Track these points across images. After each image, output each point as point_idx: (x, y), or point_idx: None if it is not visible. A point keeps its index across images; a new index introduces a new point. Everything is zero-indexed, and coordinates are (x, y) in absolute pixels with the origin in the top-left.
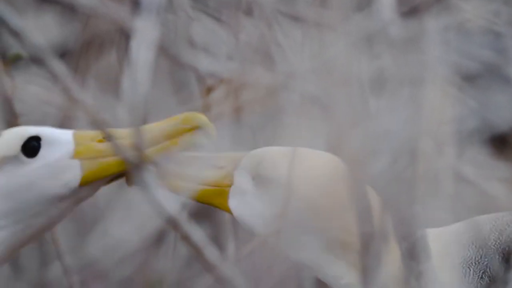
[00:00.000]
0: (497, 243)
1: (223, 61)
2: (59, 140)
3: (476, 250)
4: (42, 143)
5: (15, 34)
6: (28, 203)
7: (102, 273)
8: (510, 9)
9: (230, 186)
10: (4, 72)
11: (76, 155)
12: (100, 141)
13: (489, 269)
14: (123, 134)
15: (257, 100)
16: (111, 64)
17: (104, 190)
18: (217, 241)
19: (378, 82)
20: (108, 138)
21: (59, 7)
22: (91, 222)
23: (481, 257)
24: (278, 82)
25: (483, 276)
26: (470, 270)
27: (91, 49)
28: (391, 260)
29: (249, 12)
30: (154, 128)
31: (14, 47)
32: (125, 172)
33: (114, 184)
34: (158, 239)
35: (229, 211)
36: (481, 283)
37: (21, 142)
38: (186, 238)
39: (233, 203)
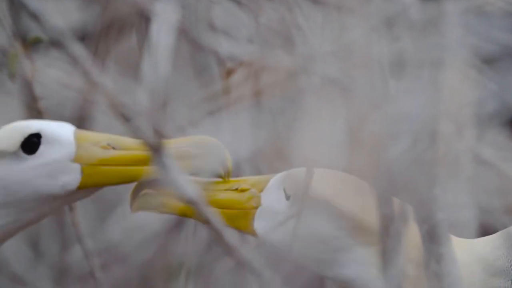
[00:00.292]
0: None
1: (243, 44)
2: (60, 139)
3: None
4: (43, 140)
5: (35, 17)
6: (22, 199)
7: (122, 257)
8: None
9: (255, 208)
10: (24, 55)
11: (77, 159)
12: (104, 147)
13: None
14: (131, 145)
15: (277, 83)
16: (131, 47)
17: None
18: None
19: (398, 65)
20: (127, 120)
21: None
22: (111, 205)
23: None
24: (298, 65)
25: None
26: (499, 278)
27: (111, 32)
28: (411, 243)
29: None
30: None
31: (34, 31)
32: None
33: None
34: (178, 222)
35: (252, 232)
36: None
37: (21, 139)
38: (206, 222)
39: (261, 224)
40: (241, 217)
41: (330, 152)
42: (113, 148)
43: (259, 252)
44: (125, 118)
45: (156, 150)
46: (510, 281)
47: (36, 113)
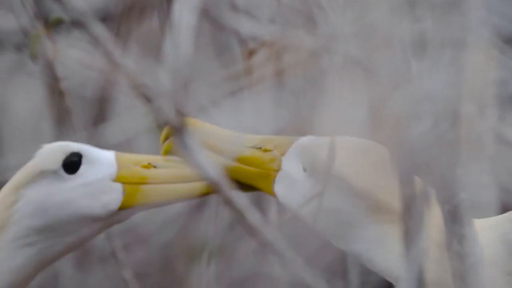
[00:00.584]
0: None
1: (265, 24)
2: (101, 160)
3: None
4: (83, 160)
5: None
6: (62, 221)
7: (144, 238)
8: None
9: (276, 171)
10: (45, 36)
11: (119, 178)
12: (145, 166)
13: None
14: (173, 164)
15: (299, 63)
16: (152, 28)
17: (145, 152)
18: (260, 205)
19: (420, 45)
20: (149, 101)
21: None
22: None
23: None
24: (320, 45)
25: None
26: None
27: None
28: (433, 223)
29: None
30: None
31: (56, 11)
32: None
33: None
34: (201, 203)
35: (272, 194)
36: None
37: (63, 157)
38: (228, 202)
39: (281, 189)
40: (262, 177)
41: (351, 132)
42: (154, 166)
43: (281, 232)
44: (147, 98)
45: (177, 130)
46: None
47: (58, 94)
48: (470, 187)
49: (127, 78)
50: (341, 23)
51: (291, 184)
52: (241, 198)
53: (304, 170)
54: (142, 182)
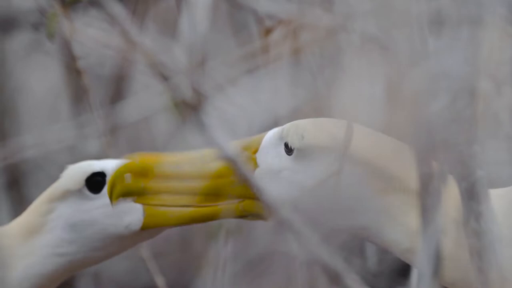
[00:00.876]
0: None
1: (282, 2)
2: None
3: None
4: (107, 179)
5: None
6: (89, 238)
7: None
8: None
9: (253, 170)
10: (62, 15)
11: (139, 199)
12: None
13: None
14: None
15: (316, 41)
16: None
17: (162, 130)
18: None
19: (437, 22)
20: (166, 79)
21: None
22: None
23: None
24: (337, 23)
25: None
26: None
27: None
28: (450, 201)
29: None
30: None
31: None
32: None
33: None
34: None
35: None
36: None
37: (84, 177)
38: (244, 180)
39: (265, 184)
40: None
41: (369, 110)
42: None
43: (298, 210)
44: (164, 77)
45: (194, 108)
46: None
47: (75, 72)
48: (487, 165)
49: (144, 56)
50: (358, 1)
51: (276, 174)
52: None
53: (289, 152)
54: (161, 204)
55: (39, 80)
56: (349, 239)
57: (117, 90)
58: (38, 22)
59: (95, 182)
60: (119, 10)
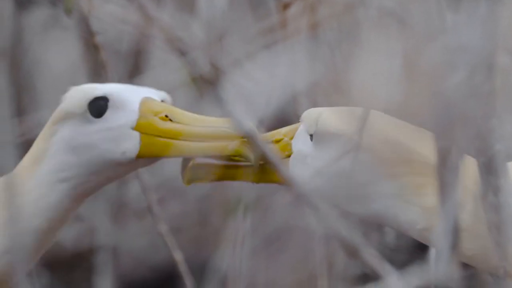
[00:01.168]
0: None
1: None
2: (125, 106)
3: None
4: (110, 104)
5: None
6: (89, 161)
7: (179, 192)
8: None
9: (287, 156)
10: None
11: (137, 127)
12: (162, 118)
13: None
14: (188, 120)
15: (334, 15)
16: None
17: (180, 105)
18: None
19: None
20: (183, 54)
21: None
22: None
23: None
24: None
25: None
26: None
27: None
28: (468, 175)
29: None
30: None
31: None
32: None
33: (189, 99)
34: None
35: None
36: None
37: (87, 101)
38: (263, 155)
39: (295, 170)
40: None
41: (386, 84)
42: (171, 120)
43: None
44: (181, 52)
45: (212, 84)
46: None
47: (93, 48)
48: (505, 138)
49: (162, 31)
50: None
51: (303, 161)
52: (275, 152)
53: (312, 138)
54: (157, 134)
55: (57, 55)
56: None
57: (135, 65)
58: None
59: (97, 106)
60: None
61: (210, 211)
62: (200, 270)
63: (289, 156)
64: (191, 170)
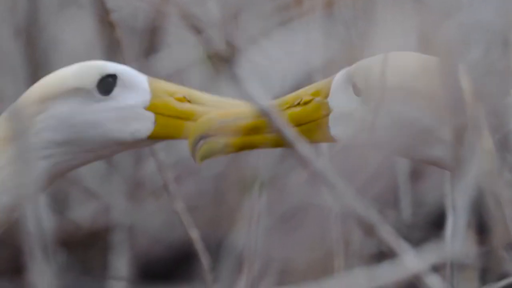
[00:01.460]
0: None
1: None
2: (135, 85)
3: None
4: (118, 82)
5: None
6: (87, 140)
7: (195, 170)
8: None
9: (326, 116)
10: None
11: (152, 107)
12: (179, 99)
13: None
14: (207, 101)
15: None
16: None
17: (196, 82)
18: None
19: None
20: (199, 31)
21: None
22: None
23: None
24: None
25: None
26: None
27: None
28: (484, 152)
29: None
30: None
31: None
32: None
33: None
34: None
35: (331, 141)
36: None
37: (99, 77)
38: (279, 133)
39: (339, 129)
40: (313, 130)
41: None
42: (188, 101)
43: (332, 163)
44: (197, 29)
45: (228, 61)
46: None
47: (108, 25)
48: None
49: (177, 9)
50: None
51: (348, 118)
52: (291, 130)
53: (358, 93)
54: (176, 115)
55: (73, 33)
56: (384, 191)
57: (151, 43)
58: None
59: (107, 83)
60: None
61: (226, 189)
62: (216, 248)
63: (326, 115)
64: (204, 147)
